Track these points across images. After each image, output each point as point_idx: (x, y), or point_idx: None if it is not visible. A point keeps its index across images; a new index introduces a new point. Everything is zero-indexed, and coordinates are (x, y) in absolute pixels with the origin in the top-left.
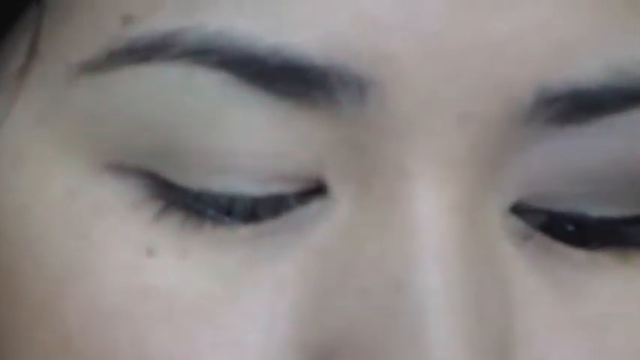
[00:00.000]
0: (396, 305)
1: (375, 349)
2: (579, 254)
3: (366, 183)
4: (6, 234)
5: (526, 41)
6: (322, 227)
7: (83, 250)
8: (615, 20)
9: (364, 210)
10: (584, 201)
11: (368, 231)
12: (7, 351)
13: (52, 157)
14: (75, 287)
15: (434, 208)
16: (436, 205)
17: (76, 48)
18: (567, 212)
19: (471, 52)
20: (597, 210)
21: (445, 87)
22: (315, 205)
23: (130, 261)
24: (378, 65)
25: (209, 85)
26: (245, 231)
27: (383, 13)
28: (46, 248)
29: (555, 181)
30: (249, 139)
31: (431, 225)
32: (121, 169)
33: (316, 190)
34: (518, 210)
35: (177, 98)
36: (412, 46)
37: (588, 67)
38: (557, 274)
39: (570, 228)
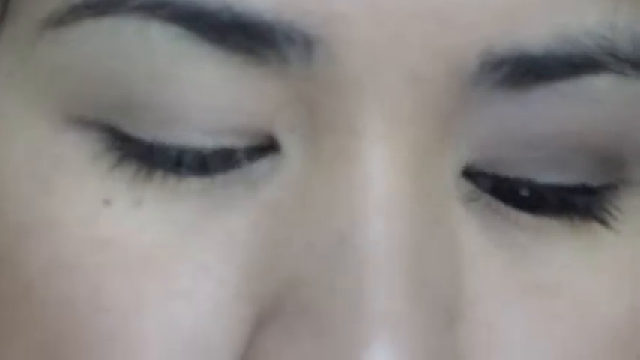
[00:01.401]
0: (339, 260)
1: (318, 304)
2: (529, 219)
3: (316, 139)
4: None
5: (473, 6)
6: (273, 182)
7: (45, 202)
8: None
9: (314, 166)
10: (532, 167)
11: (317, 187)
12: None
13: (17, 114)
14: (37, 239)
15: (382, 165)
16: (384, 162)
17: (42, 4)
18: (516, 178)
19: (418, 16)
20: (545, 177)
21: (392, 48)
22: (266, 161)
23: (87, 212)
24: (326, 24)
25: (162, 39)
26: (196, 183)
27: None
28: (9, 202)
29: (504, 146)
30: (201, 93)
31: (378, 181)
32: (80, 122)
33: (267, 146)
34: (469, 173)
35: (133, 52)
36: (360, 9)
37: (535, 32)
38: (507, 238)
39: (521, 193)
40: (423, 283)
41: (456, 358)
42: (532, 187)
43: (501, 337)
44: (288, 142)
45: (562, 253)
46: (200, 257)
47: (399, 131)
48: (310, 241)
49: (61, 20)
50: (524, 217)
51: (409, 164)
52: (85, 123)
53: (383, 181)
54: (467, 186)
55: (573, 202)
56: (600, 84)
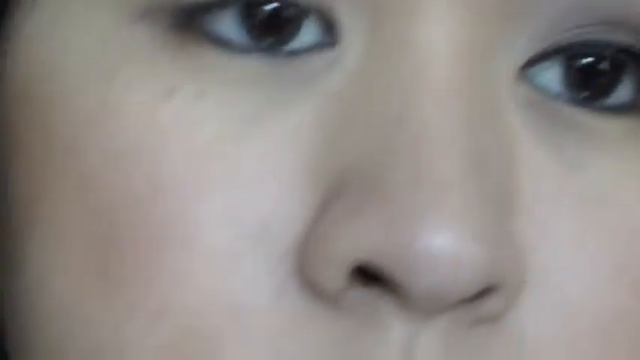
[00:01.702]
0: (398, 138)
1: (378, 180)
2: (587, 121)
3: (377, 25)
4: (40, 84)
5: None
6: (333, 74)
7: (108, 91)
8: None
9: (374, 53)
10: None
11: (377, 73)
12: (36, 189)
13: (82, 8)
14: (99, 127)
15: (442, 49)
16: (444, 46)
17: None
18: (580, 67)
19: None
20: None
21: None
22: (326, 53)
23: (150, 100)
24: None
25: None
26: (259, 75)
27: None
28: (74, 93)
29: (568, 32)
30: None
31: (437, 65)
32: (144, 13)
33: (328, 39)
34: (529, 71)
35: None
36: None
37: None
38: (561, 146)
39: (584, 94)
40: (480, 165)
41: (512, 245)
42: (597, 79)
43: (552, 241)
44: (349, 29)
45: (619, 159)
46: (262, 147)
47: (460, 15)
48: (371, 122)
49: None
50: (586, 121)
51: (469, 50)
52: (148, 13)
53: (442, 65)
54: (525, 87)
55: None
56: None
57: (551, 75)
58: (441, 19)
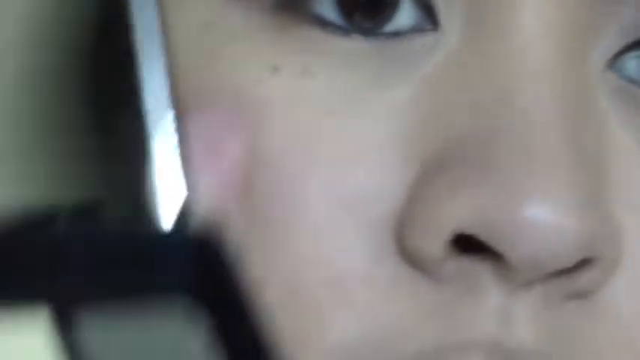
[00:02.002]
0: (501, 117)
1: (481, 157)
2: None
3: (473, 13)
4: None
5: None
6: (433, 58)
7: (214, 69)
8: None
9: (470, 40)
10: None
11: (475, 58)
12: None
13: None
14: (206, 104)
15: (539, 36)
16: (542, 33)
17: None
18: None
19: None
20: None
21: None
22: (426, 38)
23: (256, 76)
24: None
25: None
26: (362, 56)
27: None
28: (182, 71)
29: None
30: None
31: (535, 51)
32: None
33: (427, 24)
34: (617, 60)
35: None
36: None
37: None
38: None
39: None
40: (580, 144)
41: (611, 222)
42: None
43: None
44: (448, 16)
45: None
46: (364, 124)
47: (557, 4)
48: (471, 101)
49: None
50: None
51: (565, 35)
52: None
53: (540, 49)
54: (611, 74)
55: None
56: None
57: (637, 64)
58: (538, 5)
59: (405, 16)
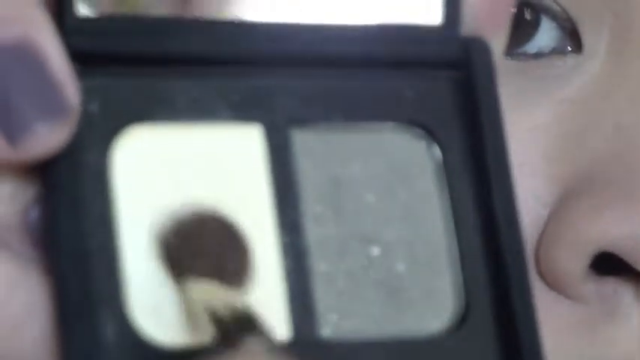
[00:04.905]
0: None
1: (626, 177)
2: None
3: (619, 39)
4: None
5: None
6: (576, 80)
7: None
8: None
9: (615, 64)
10: None
11: (618, 82)
12: None
13: None
14: None
15: None
16: None
17: None
18: None
19: None
20: None
21: None
22: (570, 59)
23: None
24: None
25: None
26: (506, 72)
27: None
28: None
29: None
30: None
31: None
32: None
33: (571, 43)
34: None
35: None
36: None
37: None
38: None
39: None
40: None
41: None
42: None
43: None
44: (592, 41)
45: None
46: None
47: None
48: (616, 124)
49: None
50: None
51: None
52: None
53: None
54: None
55: None
56: None
57: None
58: None
59: (545, 37)
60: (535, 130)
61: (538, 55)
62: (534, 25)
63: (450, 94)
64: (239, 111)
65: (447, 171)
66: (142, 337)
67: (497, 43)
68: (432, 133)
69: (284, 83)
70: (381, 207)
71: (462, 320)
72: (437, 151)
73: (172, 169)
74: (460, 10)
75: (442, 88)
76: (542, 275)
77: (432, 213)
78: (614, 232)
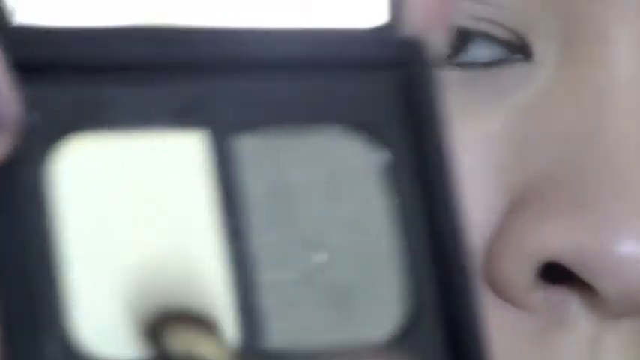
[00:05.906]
0: (594, 148)
1: (573, 186)
2: None
3: (568, 46)
4: None
5: None
6: (525, 88)
7: None
8: None
9: (564, 72)
10: None
11: (568, 90)
12: None
13: None
14: None
15: (631, 70)
16: (634, 68)
17: None
18: None
19: None
20: None
21: None
22: (520, 68)
23: None
24: None
25: None
26: (454, 82)
27: None
28: None
29: None
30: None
31: (628, 85)
32: None
33: (520, 52)
34: None
35: None
36: None
37: None
38: None
39: None
40: None
41: None
42: None
43: None
44: (542, 49)
45: None
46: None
47: None
48: (565, 133)
49: None
50: None
51: None
52: None
53: (632, 85)
54: None
55: None
56: None
57: None
58: (634, 41)
59: (495, 45)
60: (485, 139)
61: (488, 65)
62: (471, 39)
63: (392, 95)
64: (180, 118)
65: (393, 174)
66: (87, 355)
67: (441, 46)
68: (375, 136)
69: (224, 89)
70: (326, 213)
71: (409, 327)
72: (381, 154)
73: (113, 179)
74: (401, 12)
75: (384, 90)
76: (490, 284)
77: (379, 218)
78: (556, 244)
